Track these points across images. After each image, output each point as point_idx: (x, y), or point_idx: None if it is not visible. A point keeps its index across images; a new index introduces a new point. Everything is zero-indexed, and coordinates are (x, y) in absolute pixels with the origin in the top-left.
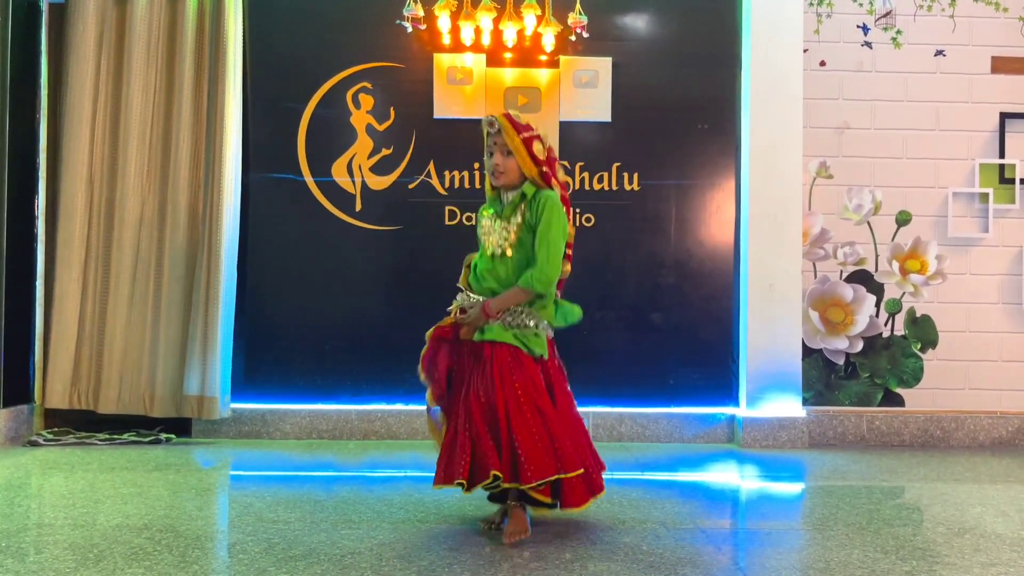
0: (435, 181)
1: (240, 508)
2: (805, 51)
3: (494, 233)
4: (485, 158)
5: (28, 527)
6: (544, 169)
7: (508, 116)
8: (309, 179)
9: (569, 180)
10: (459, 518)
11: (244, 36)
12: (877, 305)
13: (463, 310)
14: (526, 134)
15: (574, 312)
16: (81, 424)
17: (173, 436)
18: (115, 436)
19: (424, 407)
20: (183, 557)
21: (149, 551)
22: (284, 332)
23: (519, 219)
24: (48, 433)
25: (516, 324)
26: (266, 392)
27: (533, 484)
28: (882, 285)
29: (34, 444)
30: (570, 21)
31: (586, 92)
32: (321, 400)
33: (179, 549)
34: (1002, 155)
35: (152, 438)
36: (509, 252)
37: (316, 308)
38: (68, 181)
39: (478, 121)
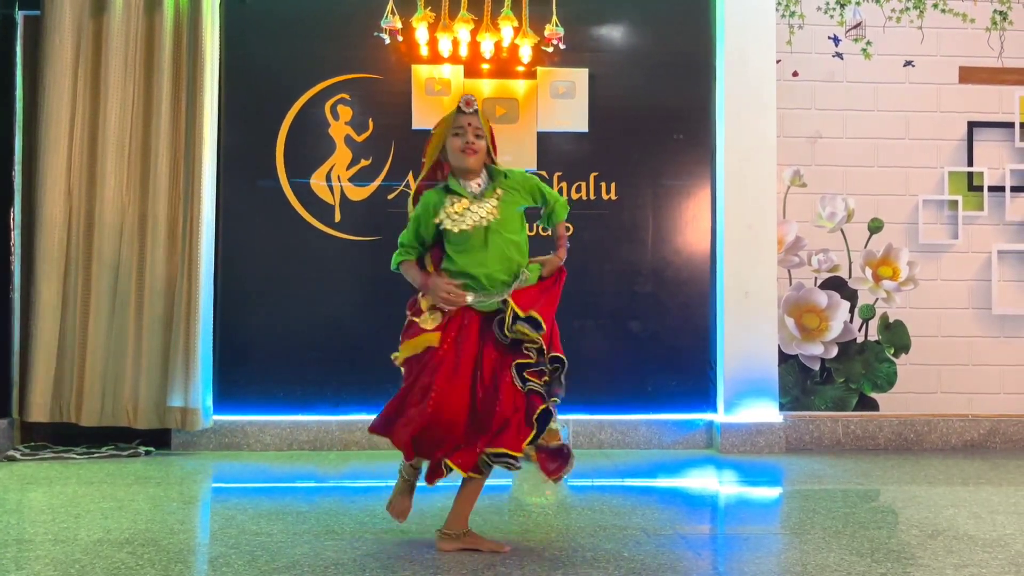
0: (414, 191)
1: (222, 521)
2: (778, 62)
3: (471, 214)
4: (450, 138)
5: (8, 543)
6: (499, 161)
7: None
8: (288, 190)
9: None
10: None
11: (221, 47)
12: (851, 311)
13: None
14: (491, 123)
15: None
16: (59, 438)
17: (152, 449)
18: (94, 450)
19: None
20: (166, 571)
21: (131, 566)
22: (263, 343)
23: (496, 200)
24: (25, 447)
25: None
26: (245, 403)
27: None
28: (856, 291)
29: (11, 459)
30: (547, 33)
31: (563, 103)
32: (301, 411)
33: (161, 563)
34: (970, 163)
35: (131, 451)
36: (497, 215)
37: (295, 319)
38: (46, 193)
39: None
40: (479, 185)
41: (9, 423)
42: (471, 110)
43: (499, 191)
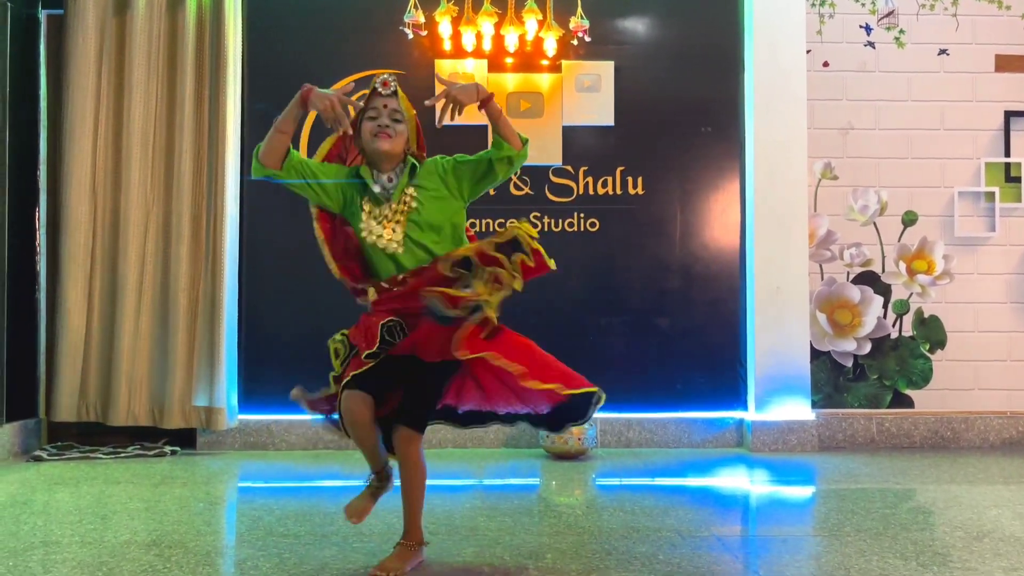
0: None
1: (249, 522)
2: (808, 52)
3: (376, 227)
4: (364, 122)
5: (35, 545)
6: (423, 154)
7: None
8: None
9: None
10: (470, 529)
11: (244, 44)
12: (884, 306)
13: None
14: (414, 112)
15: None
16: (85, 438)
17: (178, 449)
18: (120, 449)
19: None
20: (193, 574)
21: (159, 569)
22: (288, 341)
23: (410, 199)
24: (52, 447)
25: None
26: (271, 402)
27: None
28: (889, 286)
29: (38, 459)
30: (572, 25)
31: (589, 96)
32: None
33: (189, 566)
34: (1007, 153)
35: (157, 451)
36: (401, 250)
37: (321, 316)
38: (71, 193)
39: (481, 128)
40: (390, 180)
41: (36, 423)
42: (388, 91)
43: (410, 191)
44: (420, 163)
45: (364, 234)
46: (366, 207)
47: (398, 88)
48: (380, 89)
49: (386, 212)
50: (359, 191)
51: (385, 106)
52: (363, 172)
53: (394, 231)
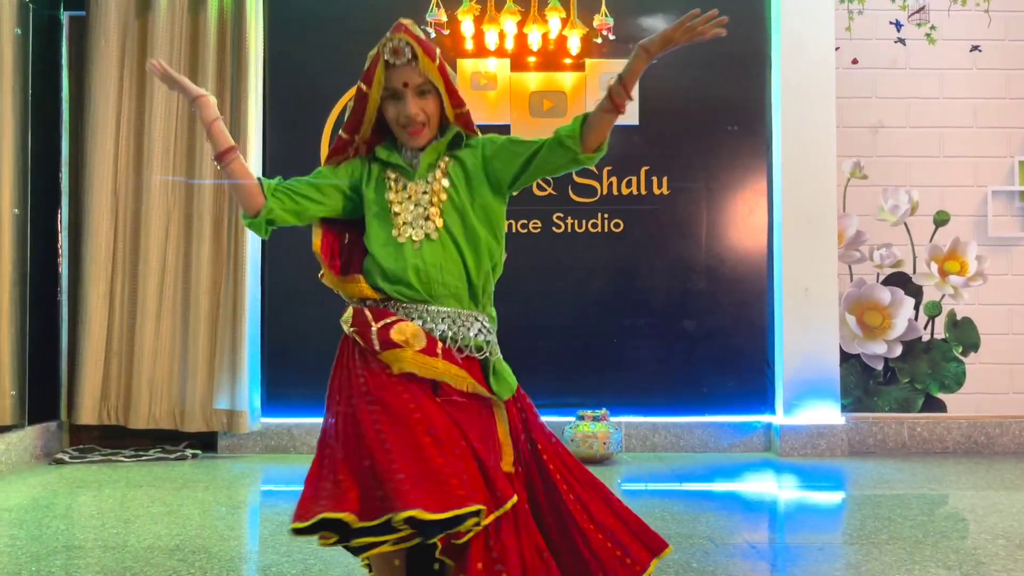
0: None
1: (272, 527)
2: (837, 49)
3: (404, 212)
4: (386, 102)
5: (57, 550)
6: (466, 109)
7: (413, 34)
8: None
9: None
10: None
11: (265, 46)
12: (916, 308)
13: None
14: (439, 58)
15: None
16: (106, 441)
17: (199, 452)
18: (141, 453)
19: None
20: None
21: (183, 574)
22: (310, 344)
23: (443, 180)
24: (74, 450)
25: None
26: (292, 406)
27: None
28: (920, 287)
29: (60, 462)
30: (596, 23)
31: None
32: None
33: (213, 572)
34: None
35: (178, 454)
36: (435, 235)
37: (338, 320)
38: (93, 195)
39: (503, 127)
40: (416, 156)
41: (58, 425)
42: (402, 60)
43: (442, 177)
44: (467, 135)
45: (394, 232)
46: (393, 186)
47: (416, 49)
48: (392, 61)
49: (411, 193)
50: (377, 175)
51: (406, 84)
52: (380, 152)
53: (423, 215)
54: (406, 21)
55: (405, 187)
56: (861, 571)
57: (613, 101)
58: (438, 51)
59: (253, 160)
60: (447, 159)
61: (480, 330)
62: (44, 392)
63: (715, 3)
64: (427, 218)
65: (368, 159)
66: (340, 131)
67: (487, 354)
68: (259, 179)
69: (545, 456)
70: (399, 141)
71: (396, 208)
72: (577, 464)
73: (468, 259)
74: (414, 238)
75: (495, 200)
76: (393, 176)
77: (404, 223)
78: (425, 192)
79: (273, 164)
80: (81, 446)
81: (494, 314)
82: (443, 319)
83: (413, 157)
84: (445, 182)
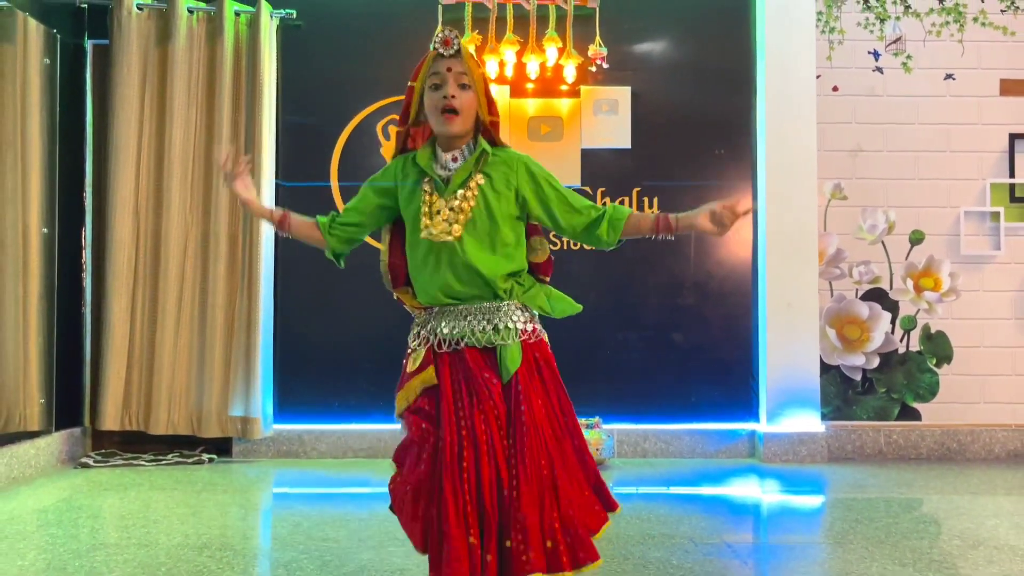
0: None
1: (289, 527)
2: (818, 77)
3: (436, 211)
4: (428, 92)
5: (96, 547)
6: (498, 120)
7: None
8: (340, 205)
9: None
10: None
11: (278, 73)
12: (892, 322)
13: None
14: (483, 68)
15: (567, 302)
16: (126, 446)
17: (215, 456)
18: (160, 457)
19: None
20: (245, 574)
21: (213, 570)
22: (320, 355)
23: (474, 187)
24: (97, 455)
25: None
26: (303, 413)
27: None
28: (897, 302)
29: (85, 466)
30: (590, 53)
31: (606, 120)
32: (356, 420)
33: (240, 567)
34: (1012, 175)
35: (195, 459)
36: (457, 232)
37: (350, 331)
38: (116, 214)
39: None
40: (455, 161)
41: (82, 431)
42: (451, 50)
43: (479, 177)
44: (495, 146)
45: (423, 234)
46: (427, 199)
47: (462, 45)
48: (441, 50)
49: (444, 204)
50: (416, 184)
51: (449, 69)
52: (420, 159)
53: (452, 214)
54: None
55: (436, 199)
56: (824, 567)
57: (659, 228)
58: (481, 65)
59: (267, 175)
60: (479, 176)
61: (501, 319)
62: (69, 400)
63: (702, 35)
64: (451, 232)
65: (411, 160)
66: (397, 126)
67: (505, 341)
68: (316, 221)
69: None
70: (437, 143)
71: (425, 220)
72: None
73: (487, 265)
74: (440, 248)
75: (518, 214)
76: (428, 189)
77: (432, 233)
78: (452, 209)
79: (285, 179)
80: (103, 451)
81: (532, 300)
82: (468, 316)
83: (444, 169)
84: (472, 202)
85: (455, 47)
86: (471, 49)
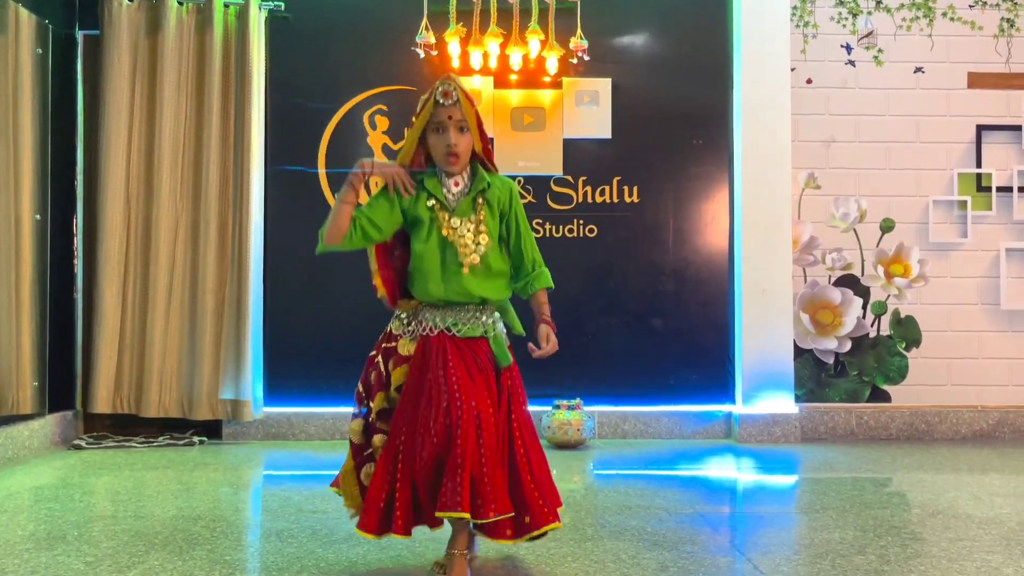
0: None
1: (280, 501)
2: (793, 70)
3: (463, 235)
4: (431, 133)
5: (94, 519)
6: (490, 147)
7: (459, 83)
8: (329, 195)
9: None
10: None
11: (267, 63)
12: (864, 307)
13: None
14: (476, 105)
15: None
16: (118, 428)
17: (205, 439)
18: (151, 439)
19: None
20: (238, 541)
21: (207, 537)
22: (308, 339)
23: (480, 214)
24: (89, 437)
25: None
26: (292, 396)
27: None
28: (868, 288)
29: (78, 447)
30: (572, 45)
31: (588, 111)
32: (344, 403)
33: (233, 535)
34: (979, 165)
35: (186, 441)
36: (478, 261)
37: (338, 316)
38: (107, 201)
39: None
40: (457, 185)
41: (74, 414)
42: (450, 101)
43: (480, 202)
44: (489, 171)
45: (445, 231)
46: (440, 213)
47: (460, 93)
48: (442, 101)
49: (455, 226)
50: (422, 199)
51: (450, 117)
52: (428, 184)
53: (474, 240)
54: (453, 76)
55: (448, 220)
56: (791, 534)
57: (540, 319)
58: (475, 102)
59: (255, 166)
60: (480, 200)
61: (486, 319)
62: (61, 383)
63: (680, 28)
64: (474, 250)
65: (418, 182)
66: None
67: (491, 333)
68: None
69: (514, 416)
70: (439, 170)
71: (452, 238)
72: (533, 433)
73: (490, 291)
74: (462, 262)
75: (502, 231)
76: (437, 207)
77: (454, 250)
78: (469, 229)
79: (274, 169)
80: (95, 433)
81: (503, 304)
82: (455, 312)
83: (449, 193)
84: (483, 225)
85: (454, 98)
86: (455, 46)
